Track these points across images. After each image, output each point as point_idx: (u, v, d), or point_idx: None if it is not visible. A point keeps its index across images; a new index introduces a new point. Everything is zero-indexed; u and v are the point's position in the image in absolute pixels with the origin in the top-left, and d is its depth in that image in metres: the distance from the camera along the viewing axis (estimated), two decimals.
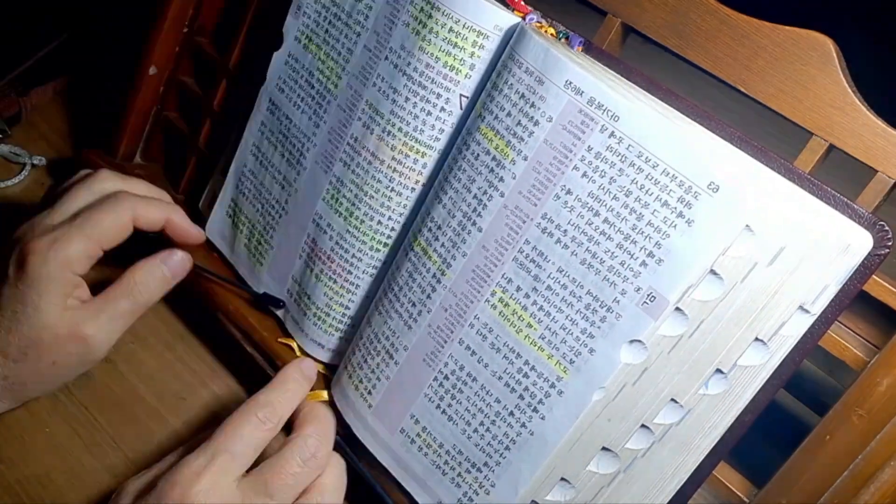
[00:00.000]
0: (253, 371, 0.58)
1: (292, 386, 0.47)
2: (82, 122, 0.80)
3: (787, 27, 0.43)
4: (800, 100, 0.43)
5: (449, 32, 0.46)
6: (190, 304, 0.61)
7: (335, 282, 0.54)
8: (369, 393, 0.51)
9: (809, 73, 0.42)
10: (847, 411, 0.40)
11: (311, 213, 0.54)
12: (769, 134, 0.69)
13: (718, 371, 0.41)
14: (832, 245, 0.38)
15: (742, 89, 0.44)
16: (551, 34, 0.45)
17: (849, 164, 0.42)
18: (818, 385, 0.55)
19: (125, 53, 0.68)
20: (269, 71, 0.56)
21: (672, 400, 0.42)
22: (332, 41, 0.52)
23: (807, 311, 0.39)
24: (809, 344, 0.40)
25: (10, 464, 0.53)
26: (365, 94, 0.50)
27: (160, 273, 0.51)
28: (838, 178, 0.46)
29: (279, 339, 0.57)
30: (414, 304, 0.48)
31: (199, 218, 0.61)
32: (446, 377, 0.48)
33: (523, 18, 0.45)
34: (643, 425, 0.42)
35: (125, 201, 0.51)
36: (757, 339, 0.40)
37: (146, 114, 0.68)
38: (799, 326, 0.40)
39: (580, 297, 0.42)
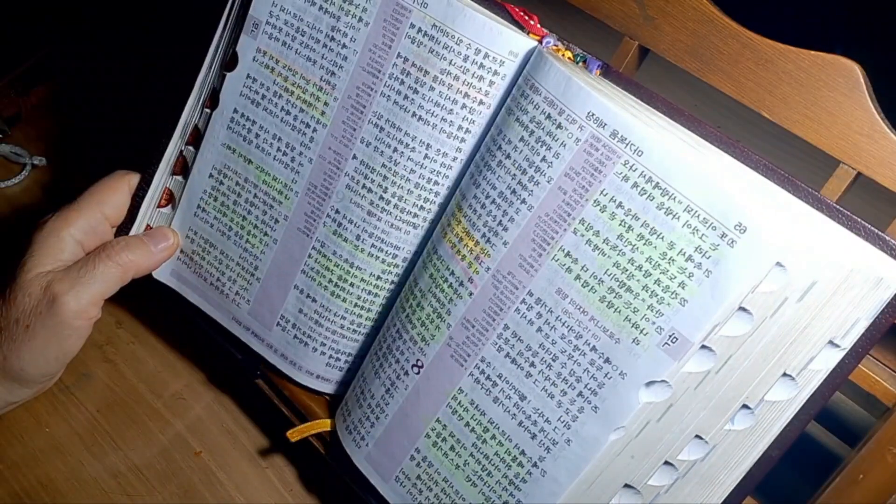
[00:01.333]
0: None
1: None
2: (82, 122, 0.78)
3: (812, 52, 0.41)
4: (826, 126, 0.41)
5: (471, 64, 0.44)
6: (190, 305, 0.60)
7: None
8: (372, 425, 0.50)
9: (836, 99, 0.41)
10: (881, 449, 0.39)
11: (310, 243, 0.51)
12: (773, 147, 0.68)
13: (745, 406, 0.40)
14: (864, 279, 0.37)
15: (765, 115, 0.43)
16: (569, 58, 0.44)
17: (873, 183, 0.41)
18: (851, 417, 0.54)
19: (121, 52, 0.67)
20: (224, 95, 0.51)
21: (697, 436, 0.40)
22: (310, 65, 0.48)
23: (836, 346, 0.38)
24: (839, 379, 0.39)
25: (10, 464, 0.53)
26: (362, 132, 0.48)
27: (149, 254, 0.52)
28: (860, 196, 0.45)
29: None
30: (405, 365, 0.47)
31: None
32: (454, 411, 0.46)
33: (540, 42, 0.44)
34: (667, 462, 0.41)
35: (117, 172, 0.54)
36: (785, 374, 0.39)
37: None
38: (828, 361, 0.39)
39: (597, 335, 0.41)
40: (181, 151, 0.54)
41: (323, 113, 0.48)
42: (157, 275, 0.55)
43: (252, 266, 0.53)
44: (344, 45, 0.47)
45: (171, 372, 0.61)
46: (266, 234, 0.52)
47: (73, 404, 0.58)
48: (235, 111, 0.51)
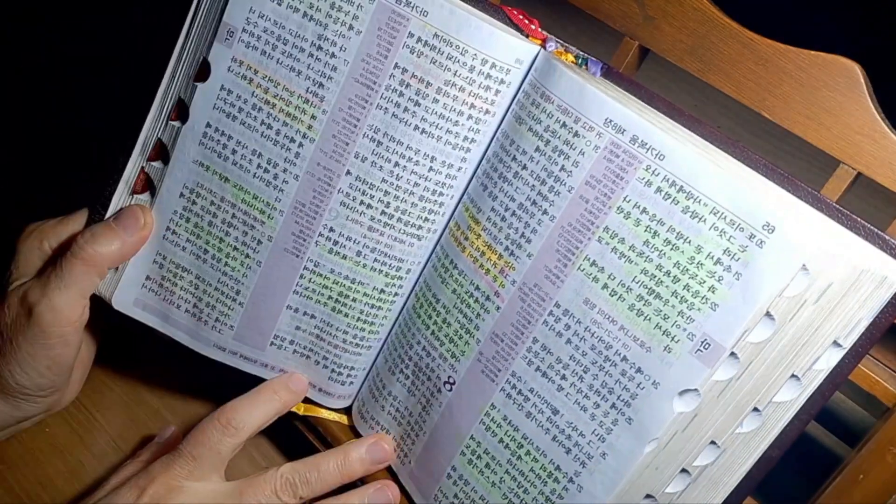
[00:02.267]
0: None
1: (265, 396, 0.49)
2: (81, 121, 0.78)
3: (812, 52, 0.41)
4: (826, 126, 0.42)
5: (477, 75, 0.43)
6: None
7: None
8: (413, 443, 0.49)
9: (836, 99, 0.41)
10: (881, 450, 0.39)
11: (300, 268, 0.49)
12: (773, 147, 0.69)
13: (755, 409, 0.40)
14: (871, 278, 0.37)
15: (766, 115, 0.43)
16: (570, 60, 0.44)
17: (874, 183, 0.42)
18: (851, 417, 0.54)
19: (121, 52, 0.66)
20: (195, 108, 0.47)
21: (712, 442, 0.40)
22: (294, 75, 0.45)
23: (839, 346, 0.38)
24: (840, 378, 0.39)
25: (10, 464, 0.52)
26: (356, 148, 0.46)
27: (117, 240, 0.48)
28: (861, 196, 0.45)
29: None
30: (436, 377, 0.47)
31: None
32: (487, 427, 0.45)
33: (542, 46, 0.44)
34: (683, 469, 0.41)
35: None
36: (793, 375, 0.39)
37: None
38: (830, 360, 0.39)
39: (628, 345, 0.40)
40: (143, 168, 0.49)
41: (310, 127, 0.45)
42: (117, 304, 0.50)
43: (233, 290, 0.49)
44: (333, 55, 0.44)
45: (171, 372, 0.61)
46: (248, 256, 0.49)
47: (73, 404, 0.57)
48: (208, 125, 0.47)
